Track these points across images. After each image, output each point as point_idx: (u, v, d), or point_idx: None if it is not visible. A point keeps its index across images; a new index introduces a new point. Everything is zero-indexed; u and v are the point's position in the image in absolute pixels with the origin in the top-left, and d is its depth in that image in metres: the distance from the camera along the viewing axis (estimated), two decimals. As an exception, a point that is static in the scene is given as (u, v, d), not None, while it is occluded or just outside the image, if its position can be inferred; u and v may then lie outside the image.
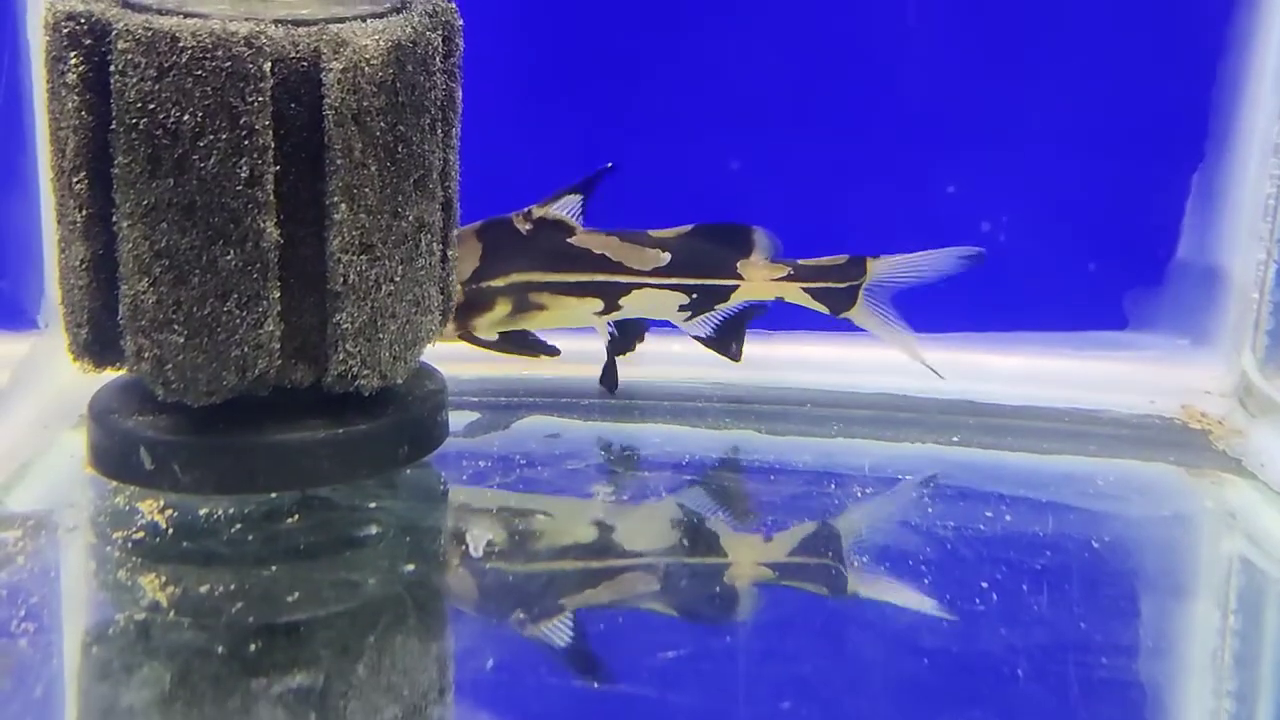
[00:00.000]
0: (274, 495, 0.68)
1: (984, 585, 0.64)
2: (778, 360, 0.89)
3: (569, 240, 0.87)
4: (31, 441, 0.77)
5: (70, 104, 0.64)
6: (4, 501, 0.70)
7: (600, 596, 0.65)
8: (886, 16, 0.98)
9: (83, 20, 0.64)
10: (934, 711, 0.55)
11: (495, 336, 0.88)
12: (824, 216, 0.99)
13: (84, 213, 0.65)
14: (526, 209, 0.87)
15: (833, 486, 0.79)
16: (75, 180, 0.65)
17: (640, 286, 0.87)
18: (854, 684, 0.57)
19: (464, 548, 0.68)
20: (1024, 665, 0.57)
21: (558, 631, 0.60)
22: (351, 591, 0.61)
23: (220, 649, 0.55)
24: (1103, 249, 0.99)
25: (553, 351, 0.89)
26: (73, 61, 0.64)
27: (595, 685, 0.55)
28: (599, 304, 0.87)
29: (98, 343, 0.67)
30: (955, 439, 0.84)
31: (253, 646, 0.55)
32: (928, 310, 0.89)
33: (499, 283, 0.86)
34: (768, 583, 0.67)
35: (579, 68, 0.98)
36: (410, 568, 0.64)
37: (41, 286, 0.88)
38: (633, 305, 0.88)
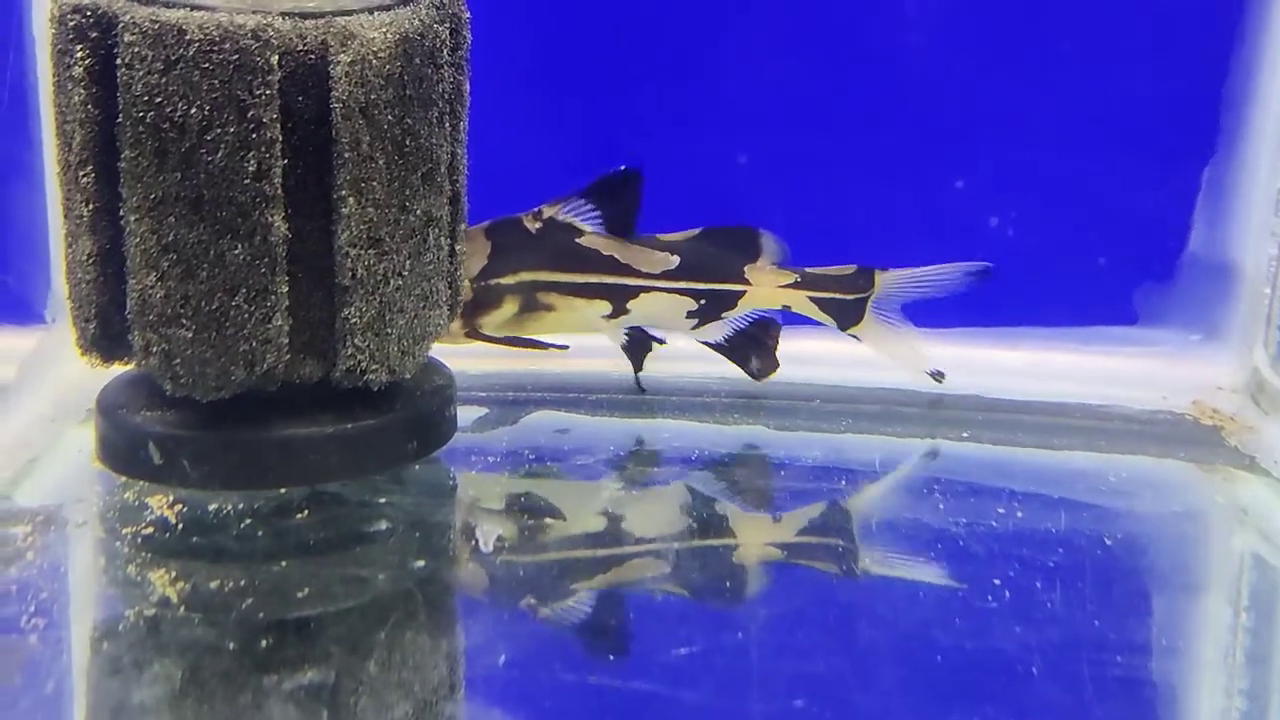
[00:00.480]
0: (283, 491, 0.67)
1: (996, 582, 0.64)
2: (786, 355, 0.88)
3: (577, 241, 0.86)
4: (39, 436, 0.77)
5: (76, 97, 0.64)
6: (12, 496, 0.69)
7: (612, 589, 0.65)
8: (893, 10, 0.98)
9: (89, 13, 0.63)
10: (947, 707, 0.54)
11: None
12: (830, 211, 0.99)
13: (91, 207, 0.65)
14: (536, 209, 0.87)
15: (843, 482, 0.79)
16: (82, 174, 0.64)
17: (648, 290, 0.87)
18: (867, 681, 0.56)
19: (474, 543, 0.67)
20: (1038, 662, 0.57)
21: (571, 626, 0.60)
22: (362, 587, 0.61)
23: (231, 644, 0.55)
24: (1113, 244, 0.99)
25: (561, 345, 0.89)
26: (79, 55, 0.63)
27: (610, 678, 0.55)
28: (607, 306, 0.87)
29: (106, 337, 0.66)
30: (965, 435, 0.84)
31: (264, 642, 0.55)
32: (938, 306, 0.89)
33: (507, 280, 0.86)
34: (779, 577, 0.67)
35: (588, 63, 0.97)
36: (421, 563, 0.64)
37: (48, 281, 0.88)
38: (640, 309, 0.87)
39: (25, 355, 0.83)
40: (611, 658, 0.58)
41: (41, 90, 0.86)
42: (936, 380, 0.87)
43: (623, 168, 0.86)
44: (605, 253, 0.87)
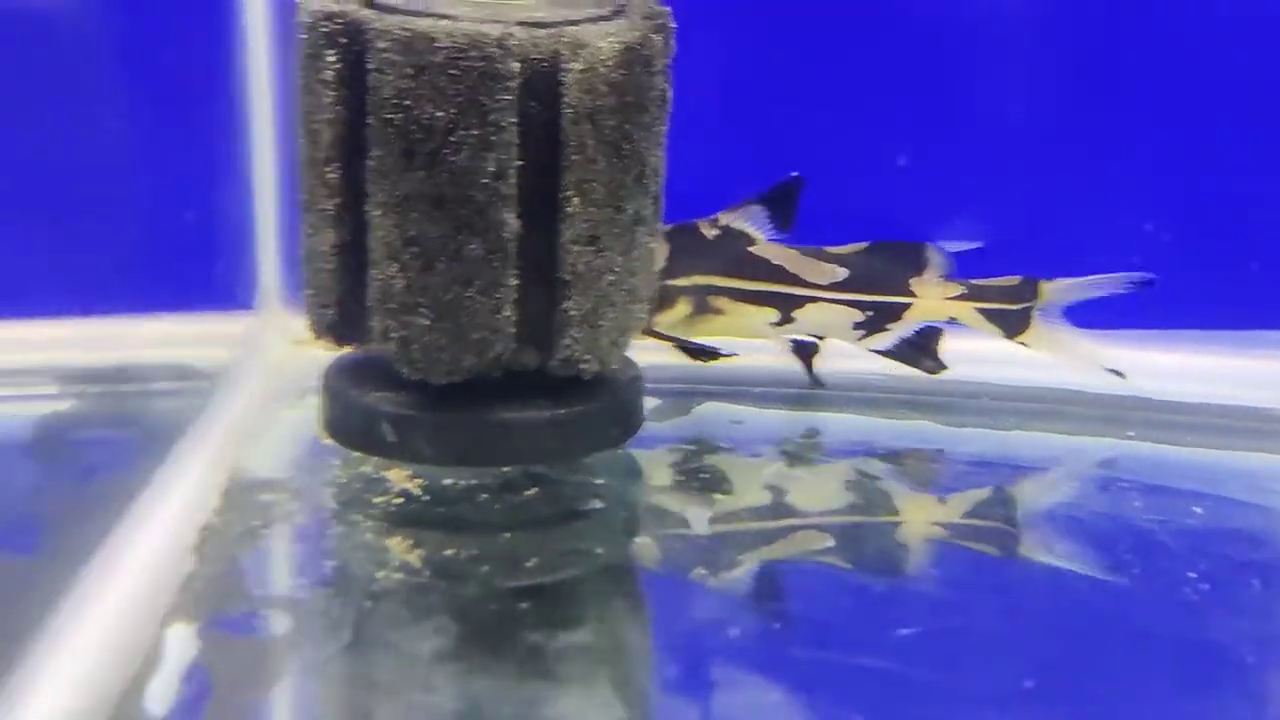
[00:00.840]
0: (505, 470, 0.72)
1: (1192, 575, 0.66)
2: (950, 354, 0.91)
3: (750, 249, 0.90)
4: (259, 415, 0.82)
5: (325, 99, 0.68)
6: (250, 469, 0.74)
7: (822, 568, 0.69)
8: (1047, 12, 1.00)
9: (339, 20, 0.68)
10: (1175, 693, 0.57)
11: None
12: (988, 215, 1.01)
13: (335, 201, 0.69)
14: (713, 215, 0.91)
15: (1018, 478, 0.82)
16: (327, 170, 0.69)
17: (814, 300, 0.90)
18: (1090, 669, 0.59)
19: (682, 522, 0.72)
20: (1252, 654, 0.60)
21: (787, 600, 0.65)
22: (587, 559, 0.66)
23: (489, 606, 0.59)
24: (1267, 249, 1.00)
25: (729, 353, 0.90)
26: (329, 59, 0.68)
27: (832, 652, 0.59)
28: (774, 314, 0.90)
29: (342, 323, 0.71)
30: (1131, 434, 0.86)
31: (519, 605, 0.59)
32: (1095, 307, 0.91)
33: (682, 282, 0.90)
34: (975, 570, 0.70)
35: (764, 71, 1.01)
36: (639, 540, 0.69)
37: (254, 270, 0.94)
38: (806, 319, 0.90)
39: (236, 340, 0.89)
40: (830, 632, 0.62)
41: (253, 92, 0.92)
42: (1119, 377, 0.89)
43: (793, 174, 0.90)
44: (776, 262, 0.90)
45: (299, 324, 0.91)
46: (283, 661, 0.56)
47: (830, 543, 0.71)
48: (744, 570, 0.66)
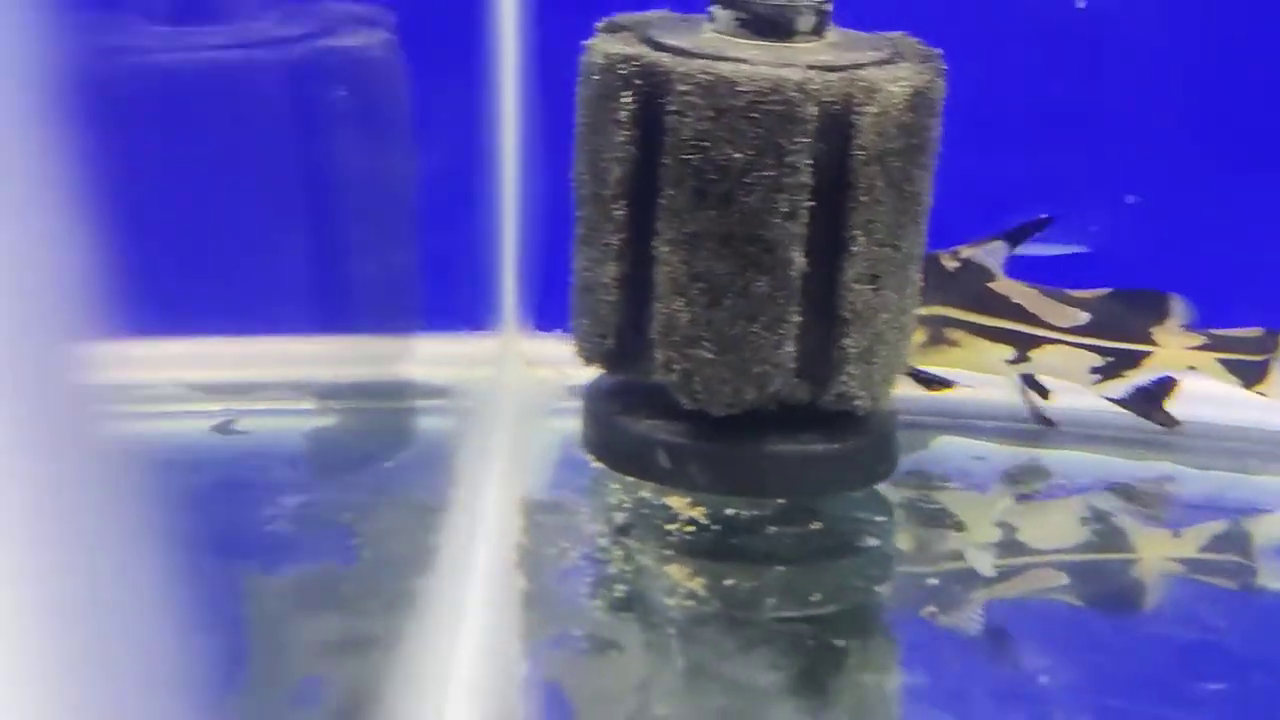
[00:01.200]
0: (778, 502, 0.73)
1: None
2: (1189, 394, 0.90)
3: (990, 285, 0.90)
4: (523, 434, 0.84)
5: (619, 138, 0.71)
6: (535, 489, 0.76)
7: (1097, 610, 0.69)
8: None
9: (636, 63, 0.70)
10: None
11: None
12: (1225, 253, 1.00)
13: (620, 236, 0.72)
14: (955, 248, 0.91)
15: (1267, 520, 0.81)
16: (614, 207, 0.71)
17: (1053, 341, 0.90)
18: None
19: (955, 558, 0.72)
20: None
21: (1080, 645, 0.64)
22: (866, 595, 0.67)
23: (810, 642, 0.61)
24: None
25: (948, 381, 0.91)
26: (625, 100, 0.70)
27: (1149, 705, 0.59)
28: (1010, 352, 0.90)
29: (619, 352, 0.73)
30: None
31: (838, 642, 0.61)
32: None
33: (920, 312, 0.90)
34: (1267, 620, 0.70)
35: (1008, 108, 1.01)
36: (916, 578, 0.69)
37: (499, 294, 0.97)
38: (1043, 359, 0.90)
39: (484, 360, 0.92)
40: (1139, 682, 0.62)
41: (501, 128, 0.95)
42: None
43: (1042, 216, 0.90)
44: (1015, 300, 0.90)
45: (533, 346, 0.95)
46: (632, 686, 0.57)
47: (1112, 586, 0.71)
48: (1030, 612, 0.66)
